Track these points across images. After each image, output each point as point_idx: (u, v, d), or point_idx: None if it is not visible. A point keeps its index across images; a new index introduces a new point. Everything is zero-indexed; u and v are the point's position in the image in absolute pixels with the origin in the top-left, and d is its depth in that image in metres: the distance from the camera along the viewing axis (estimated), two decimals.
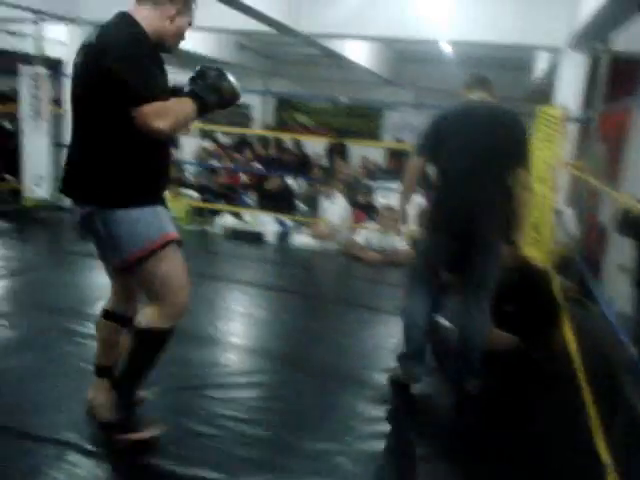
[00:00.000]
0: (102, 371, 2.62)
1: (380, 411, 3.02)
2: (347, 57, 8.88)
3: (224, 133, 11.40)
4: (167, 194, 7.48)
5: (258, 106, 13.76)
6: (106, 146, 2.16)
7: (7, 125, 8.61)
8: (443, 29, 6.40)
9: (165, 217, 2.29)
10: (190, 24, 2.30)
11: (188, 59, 11.53)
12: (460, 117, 3.24)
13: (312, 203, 7.20)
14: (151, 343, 2.35)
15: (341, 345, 3.77)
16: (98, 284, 4.56)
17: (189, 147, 11.05)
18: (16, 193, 7.41)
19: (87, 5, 7.15)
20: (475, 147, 3.13)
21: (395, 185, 6.57)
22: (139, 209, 2.19)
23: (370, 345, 3.84)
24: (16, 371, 3.02)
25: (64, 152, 7.68)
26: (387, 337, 3.91)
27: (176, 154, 9.03)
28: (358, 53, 9.10)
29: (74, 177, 2.27)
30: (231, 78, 2.30)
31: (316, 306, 4.62)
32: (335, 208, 6.71)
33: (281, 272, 5.75)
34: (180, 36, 2.29)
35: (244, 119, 13.60)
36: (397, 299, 3.89)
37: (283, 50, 11.42)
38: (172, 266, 2.26)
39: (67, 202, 7.49)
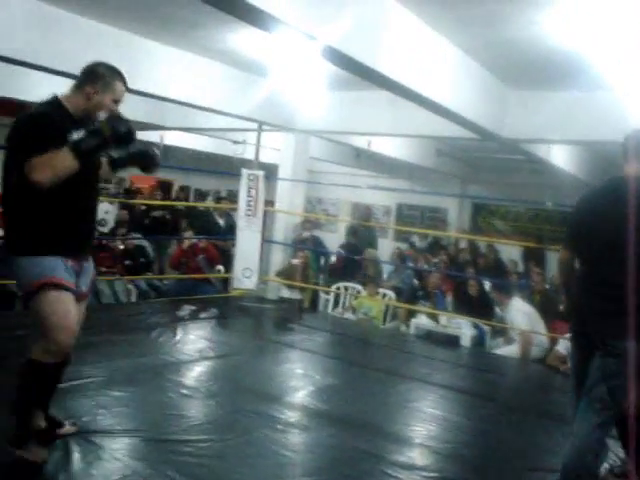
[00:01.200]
0: None
1: None
2: (549, 161, 8.70)
3: (419, 236, 11.56)
4: (363, 292, 7.52)
5: (454, 210, 13.85)
6: (11, 205, 2.60)
7: (220, 220, 9.56)
8: None
9: (53, 265, 2.56)
10: (116, 101, 2.65)
11: (391, 165, 12.05)
12: (595, 199, 2.87)
13: (507, 309, 6.95)
14: (34, 374, 2.62)
15: (545, 463, 3.50)
16: (297, 374, 4.74)
17: (386, 248, 11.36)
18: (225, 283, 8.06)
19: (301, 116, 7.84)
20: (601, 235, 2.72)
21: None
22: (27, 258, 2.55)
23: None
24: (217, 448, 3.15)
25: (273, 248, 8.25)
26: None
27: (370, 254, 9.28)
28: (558, 157, 8.87)
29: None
30: (117, 115, 2.57)
31: (513, 417, 4.36)
32: (531, 316, 6.42)
33: (476, 377, 5.55)
34: (101, 110, 2.60)
35: (439, 223, 13.73)
36: None
37: (480, 155, 11.49)
38: (53, 307, 2.54)
39: (271, 294, 7.90)
